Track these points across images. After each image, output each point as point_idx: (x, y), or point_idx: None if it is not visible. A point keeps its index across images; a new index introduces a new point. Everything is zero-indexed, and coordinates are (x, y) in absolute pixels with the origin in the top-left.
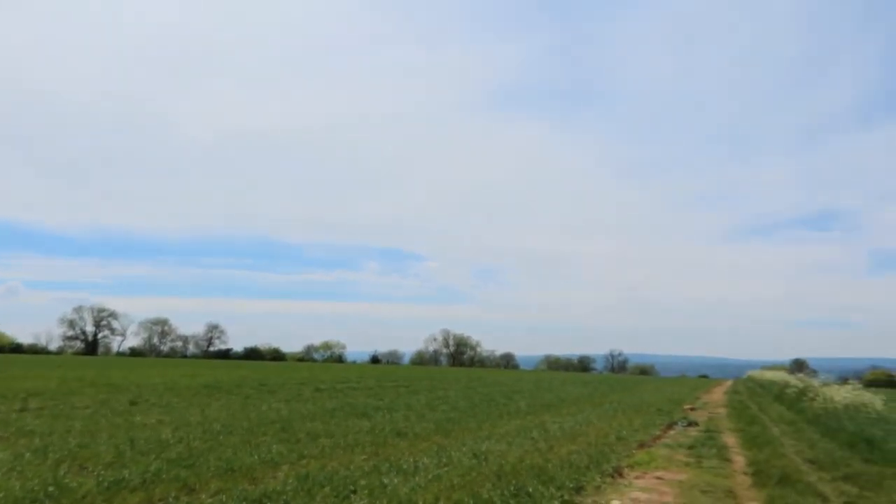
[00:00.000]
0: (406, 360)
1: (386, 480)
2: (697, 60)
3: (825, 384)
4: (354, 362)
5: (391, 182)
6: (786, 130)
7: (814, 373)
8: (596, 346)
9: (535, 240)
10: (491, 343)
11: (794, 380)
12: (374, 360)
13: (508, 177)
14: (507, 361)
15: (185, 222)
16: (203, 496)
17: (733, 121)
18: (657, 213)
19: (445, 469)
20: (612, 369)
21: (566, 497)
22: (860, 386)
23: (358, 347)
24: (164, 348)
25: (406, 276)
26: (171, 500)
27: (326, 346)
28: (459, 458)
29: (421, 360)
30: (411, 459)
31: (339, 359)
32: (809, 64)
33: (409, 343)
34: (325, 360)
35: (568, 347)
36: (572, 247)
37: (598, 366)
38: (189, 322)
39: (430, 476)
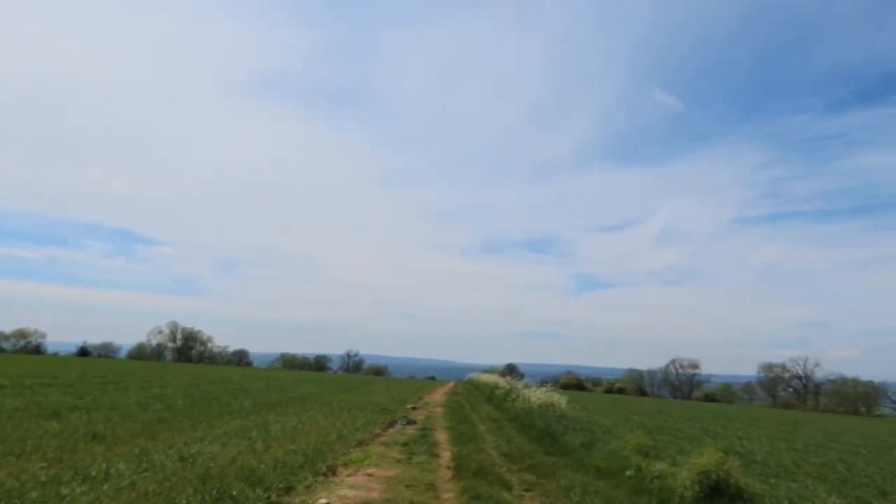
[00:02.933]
0: (123, 353)
1: (66, 490)
2: (461, 87)
3: (526, 386)
4: (56, 354)
5: (131, 155)
6: (524, 163)
7: (521, 376)
8: (335, 346)
9: (285, 235)
10: (225, 339)
11: (504, 382)
12: (83, 352)
13: (266, 168)
14: (241, 358)
15: None
16: None
17: (486, 148)
18: (410, 221)
19: (144, 475)
20: (348, 369)
21: (273, 498)
22: (552, 388)
23: (63, 337)
24: None
25: (135, 260)
26: None
27: (21, 334)
28: (163, 462)
29: (141, 354)
30: (104, 465)
31: (37, 349)
32: (547, 108)
33: (130, 335)
34: (17, 351)
35: (307, 346)
36: (322, 246)
37: (334, 365)
38: None
39: (122, 483)
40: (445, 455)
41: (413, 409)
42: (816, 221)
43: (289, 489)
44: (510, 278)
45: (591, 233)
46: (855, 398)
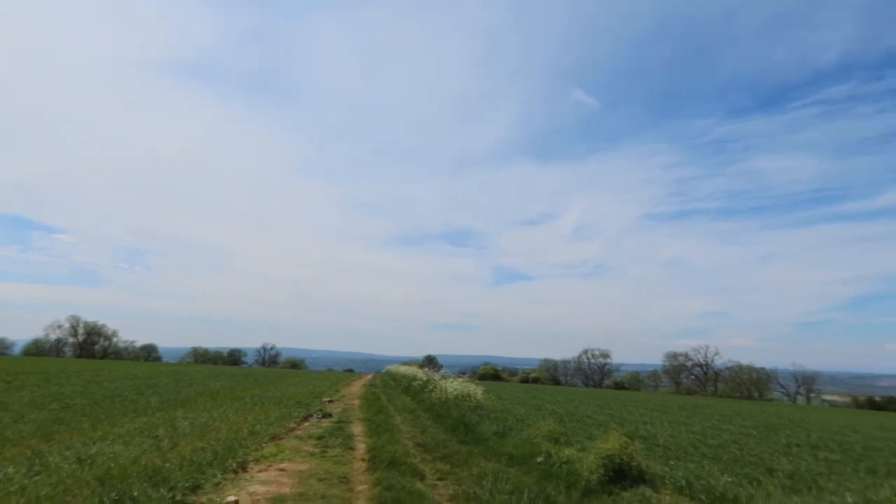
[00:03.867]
0: (17, 349)
1: None
2: (383, 77)
3: (444, 377)
4: None
5: (28, 137)
6: (445, 156)
7: (440, 368)
8: (251, 340)
9: (196, 225)
10: (132, 333)
11: (421, 374)
12: None
13: (177, 154)
14: (149, 353)
15: None
16: None
17: (408, 139)
18: (330, 212)
19: (36, 478)
20: (263, 363)
21: (178, 497)
22: (469, 379)
23: None
24: None
25: (31, 249)
26: None
27: None
28: (58, 465)
29: (38, 349)
30: None
31: None
32: (469, 103)
33: (24, 330)
34: None
35: (221, 340)
36: (237, 237)
37: (250, 359)
38: None
39: (11, 488)
40: (361, 447)
41: (329, 401)
42: (718, 219)
43: (195, 488)
44: (430, 271)
45: (509, 226)
46: (749, 384)
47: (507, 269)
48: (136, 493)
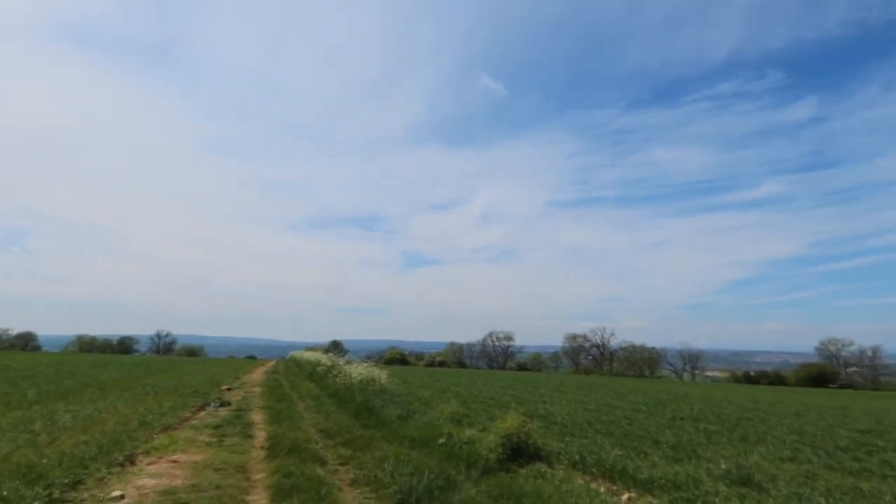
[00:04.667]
0: None
1: None
2: (290, 54)
3: (348, 363)
4: None
5: None
6: (355, 138)
7: (346, 353)
8: (144, 327)
9: (83, 205)
10: (8, 320)
11: (326, 359)
12: None
13: (62, 126)
14: (26, 342)
15: None
16: None
17: (316, 120)
18: (230, 193)
19: None
20: (158, 351)
21: (55, 495)
22: (375, 364)
23: None
24: None
25: None
26: None
27: None
28: None
29: None
30: None
31: None
32: (379, 85)
33: None
34: None
35: (110, 327)
36: (129, 218)
37: (143, 347)
38: None
39: None
40: (260, 435)
41: (228, 390)
42: (616, 207)
43: (76, 484)
44: (337, 254)
45: (419, 211)
46: (641, 363)
47: (416, 253)
48: (5, 493)
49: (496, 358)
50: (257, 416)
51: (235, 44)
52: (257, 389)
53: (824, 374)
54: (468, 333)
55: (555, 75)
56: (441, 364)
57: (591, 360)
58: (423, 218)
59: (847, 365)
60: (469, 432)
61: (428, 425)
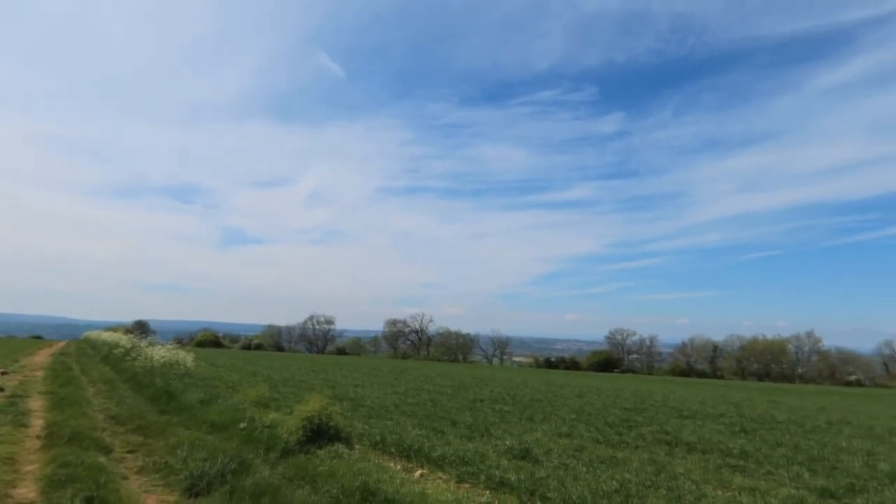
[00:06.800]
0: None
1: None
2: (105, 6)
3: (151, 344)
4: None
5: None
6: (175, 103)
7: (152, 333)
8: None
9: None
10: None
11: (125, 340)
12: None
13: None
14: None
15: None
16: None
17: (131, 78)
18: (16, 151)
19: None
20: None
21: None
22: (183, 346)
23: None
24: None
25: None
26: None
27: None
28: None
29: None
30: None
31: None
32: (206, 49)
33: None
34: None
35: None
36: None
37: None
38: None
39: None
40: (37, 423)
41: (3, 374)
42: (444, 198)
43: None
44: (147, 226)
45: (243, 186)
46: (456, 348)
47: (237, 230)
48: None
49: (316, 342)
50: (36, 403)
51: None
52: (40, 373)
53: (611, 360)
54: (289, 316)
55: (393, 63)
56: (258, 347)
57: (409, 344)
58: (248, 194)
59: (630, 352)
60: (272, 416)
61: (230, 410)
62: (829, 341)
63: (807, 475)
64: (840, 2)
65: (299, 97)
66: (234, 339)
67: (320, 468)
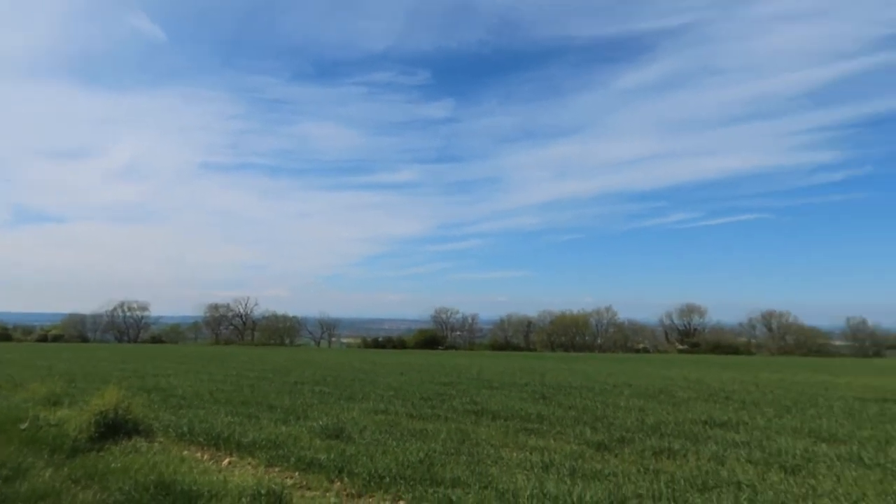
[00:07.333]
0: None
1: None
2: None
3: None
4: None
5: None
6: None
7: None
8: None
9: None
10: None
11: None
12: None
13: None
14: None
15: None
16: None
17: None
18: None
19: None
20: None
21: None
22: None
23: None
24: None
25: None
26: None
27: None
28: None
29: None
30: None
31: None
32: None
33: None
34: None
35: None
36: None
37: None
38: None
39: None
40: None
41: None
42: (267, 175)
43: None
44: None
45: (38, 156)
46: (282, 331)
47: (30, 207)
48: None
49: (127, 330)
50: None
51: None
52: None
53: (436, 338)
54: (95, 303)
55: (220, 31)
56: (57, 338)
57: (232, 329)
58: (44, 165)
59: (453, 330)
60: (60, 413)
61: (11, 409)
62: (624, 314)
63: (588, 432)
64: (640, 11)
65: (110, 59)
66: (27, 331)
67: (113, 465)
